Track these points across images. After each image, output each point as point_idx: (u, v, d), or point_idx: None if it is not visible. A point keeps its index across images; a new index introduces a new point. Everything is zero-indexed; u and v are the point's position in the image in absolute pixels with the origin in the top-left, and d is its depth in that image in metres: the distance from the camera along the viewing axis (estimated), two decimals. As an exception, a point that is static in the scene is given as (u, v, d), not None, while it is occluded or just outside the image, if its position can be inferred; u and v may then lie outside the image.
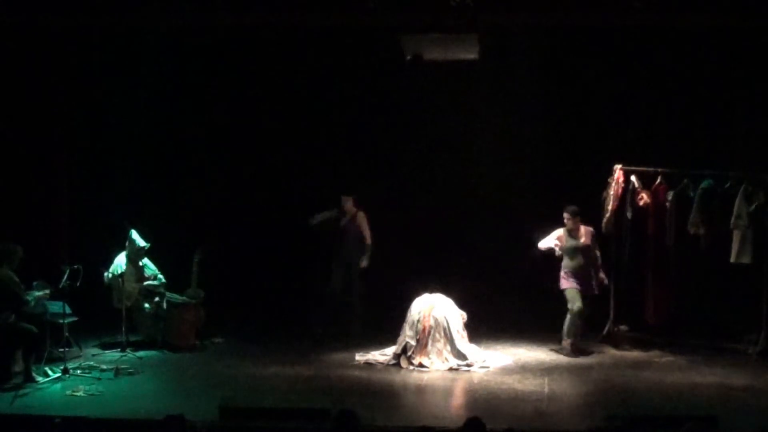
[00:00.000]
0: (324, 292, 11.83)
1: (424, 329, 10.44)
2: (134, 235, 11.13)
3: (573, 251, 10.81)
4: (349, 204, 11.74)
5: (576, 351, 10.79)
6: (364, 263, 11.61)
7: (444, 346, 10.43)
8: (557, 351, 10.92)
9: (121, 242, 11.14)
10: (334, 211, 11.75)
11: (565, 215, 10.84)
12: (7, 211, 11.33)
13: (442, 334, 10.47)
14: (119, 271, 11.06)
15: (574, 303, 10.73)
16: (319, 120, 12.91)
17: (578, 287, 10.78)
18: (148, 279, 11.26)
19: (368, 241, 11.66)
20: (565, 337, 10.85)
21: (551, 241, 10.88)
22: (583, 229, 10.85)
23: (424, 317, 10.52)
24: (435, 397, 9.61)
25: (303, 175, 12.75)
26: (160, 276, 11.36)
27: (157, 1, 10.80)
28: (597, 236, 11.01)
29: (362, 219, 11.72)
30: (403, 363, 10.41)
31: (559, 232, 10.89)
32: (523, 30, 11.76)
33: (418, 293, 10.83)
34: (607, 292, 11.32)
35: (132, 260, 11.13)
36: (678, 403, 8.97)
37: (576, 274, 10.80)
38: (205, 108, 12.78)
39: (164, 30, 11.65)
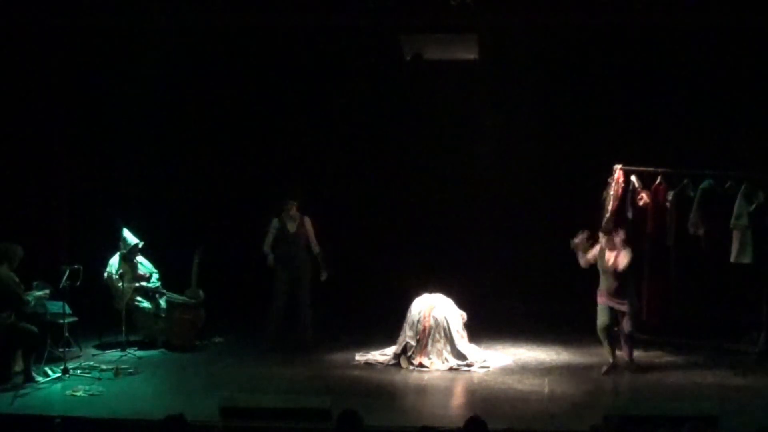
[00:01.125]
0: (271, 306, 11.14)
1: (424, 329, 10.43)
2: (126, 233, 11.12)
3: (602, 271, 10.11)
4: (294, 210, 11.11)
5: (607, 372, 10.21)
6: (324, 276, 11.07)
7: (444, 346, 10.43)
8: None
9: (115, 242, 11.14)
10: (275, 221, 11.13)
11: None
12: (7, 211, 11.32)
13: (442, 334, 10.46)
14: (114, 271, 11.05)
15: (598, 319, 10.21)
16: (320, 120, 12.91)
17: (607, 303, 10.11)
18: (143, 277, 11.26)
19: (317, 248, 11.10)
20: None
21: (587, 254, 10.13)
22: (617, 251, 9.97)
23: (424, 317, 10.52)
24: (435, 397, 9.60)
25: (303, 175, 12.73)
26: (155, 278, 11.36)
27: (157, 1, 10.79)
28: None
29: (310, 225, 11.17)
30: (403, 363, 10.41)
31: (597, 249, 10.13)
32: (523, 30, 11.75)
33: (418, 293, 10.82)
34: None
35: (126, 259, 11.12)
36: (678, 403, 8.94)
37: (604, 294, 10.11)
38: (205, 108, 12.79)
39: (164, 29, 11.65)
